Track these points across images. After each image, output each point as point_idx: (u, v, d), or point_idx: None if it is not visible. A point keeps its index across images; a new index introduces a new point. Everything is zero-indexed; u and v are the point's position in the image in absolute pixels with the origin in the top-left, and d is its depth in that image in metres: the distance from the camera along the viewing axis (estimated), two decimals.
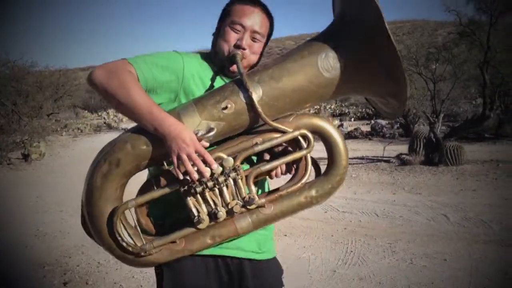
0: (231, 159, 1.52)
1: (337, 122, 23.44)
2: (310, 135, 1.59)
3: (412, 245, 4.97)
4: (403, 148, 11.80)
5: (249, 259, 1.79)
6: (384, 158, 11.21)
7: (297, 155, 1.59)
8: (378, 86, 1.57)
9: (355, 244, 5.10)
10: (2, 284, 4.41)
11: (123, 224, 1.56)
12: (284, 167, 1.67)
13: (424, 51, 13.18)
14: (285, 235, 5.49)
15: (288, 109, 1.59)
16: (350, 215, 6.36)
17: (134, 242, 1.56)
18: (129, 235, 1.56)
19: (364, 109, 27.32)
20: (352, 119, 26.59)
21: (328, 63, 1.53)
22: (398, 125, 18.33)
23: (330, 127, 1.63)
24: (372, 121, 21.37)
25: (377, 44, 1.42)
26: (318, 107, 28.68)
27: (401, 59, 1.39)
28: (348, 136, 17.99)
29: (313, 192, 1.64)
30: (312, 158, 1.67)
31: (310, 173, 1.65)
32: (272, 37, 1.84)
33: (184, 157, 1.45)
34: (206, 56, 1.79)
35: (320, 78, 1.54)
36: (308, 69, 1.54)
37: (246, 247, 1.77)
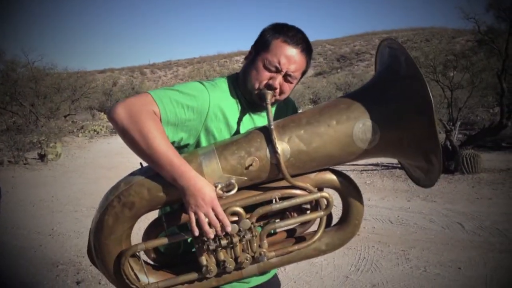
0: (248, 222, 1.47)
1: None
2: (331, 199, 1.53)
3: (426, 252, 4.92)
4: None
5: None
6: (399, 165, 11.10)
7: (313, 216, 1.55)
8: (409, 160, 1.52)
9: (368, 251, 5.07)
10: (16, 282, 4.45)
11: (130, 264, 1.53)
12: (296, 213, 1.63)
13: (442, 59, 13.06)
14: None
15: (313, 170, 1.54)
16: (364, 221, 6.29)
17: (139, 281, 1.53)
18: (135, 274, 1.54)
19: None
20: None
21: (364, 134, 1.44)
22: None
23: (352, 187, 1.59)
24: None
25: (419, 127, 1.35)
26: None
27: (440, 148, 1.33)
28: None
29: (323, 246, 1.64)
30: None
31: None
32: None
33: (202, 217, 1.42)
34: (232, 85, 1.71)
35: (353, 148, 1.46)
36: (342, 137, 1.46)
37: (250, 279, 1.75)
